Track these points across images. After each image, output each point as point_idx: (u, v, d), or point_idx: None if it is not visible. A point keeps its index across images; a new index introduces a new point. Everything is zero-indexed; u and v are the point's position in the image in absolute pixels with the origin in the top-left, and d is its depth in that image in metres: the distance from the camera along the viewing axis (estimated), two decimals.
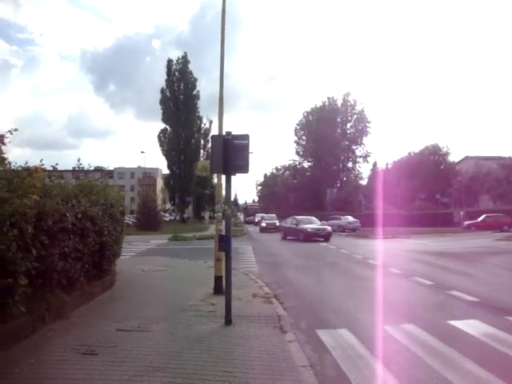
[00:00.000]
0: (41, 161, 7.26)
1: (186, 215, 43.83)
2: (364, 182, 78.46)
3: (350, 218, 45.29)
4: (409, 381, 5.18)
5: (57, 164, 8.81)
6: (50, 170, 8.57)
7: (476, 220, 42.01)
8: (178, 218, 46.21)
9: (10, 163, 6.97)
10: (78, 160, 10.35)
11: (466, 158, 68.33)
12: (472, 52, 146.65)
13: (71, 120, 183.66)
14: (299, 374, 5.26)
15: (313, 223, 32.66)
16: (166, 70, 58.22)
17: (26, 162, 7.25)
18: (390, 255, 19.67)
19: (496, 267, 15.70)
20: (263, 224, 45.58)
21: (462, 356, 5.84)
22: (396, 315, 8.19)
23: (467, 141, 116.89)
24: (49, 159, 7.59)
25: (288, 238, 32.33)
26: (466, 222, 42.56)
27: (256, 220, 59.45)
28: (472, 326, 7.38)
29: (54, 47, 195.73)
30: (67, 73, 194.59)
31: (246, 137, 7.70)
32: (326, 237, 30.38)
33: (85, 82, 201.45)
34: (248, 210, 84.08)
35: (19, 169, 6.98)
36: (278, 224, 43.20)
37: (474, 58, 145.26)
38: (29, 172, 6.53)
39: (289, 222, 33.82)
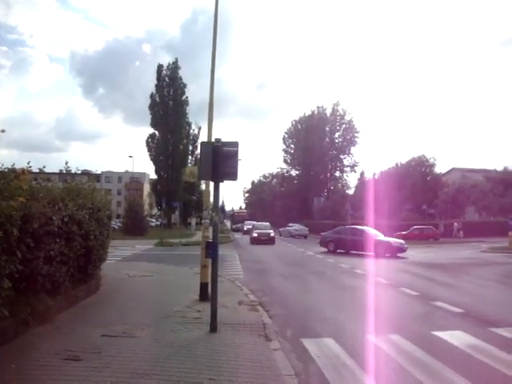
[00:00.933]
0: (28, 163, 7.22)
1: (162, 221, 42.35)
2: (351, 192, 78.89)
3: (297, 226, 53.01)
4: None
5: (44, 166, 8.77)
6: (36, 173, 8.51)
7: (403, 232, 44.04)
8: (164, 223, 45.98)
9: None
10: (66, 163, 10.32)
11: (453, 169, 69.03)
12: (459, 65, 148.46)
13: (59, 123, 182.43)
14: (284, 382, 5.26)
15: (380, 235, 26.77)
16: (156, 75, 58.23)
17: (13, 164, 7.20)
18: (376, 265, 19.74)
19: (480, 278, 15.83)
20: (254, 234, 38.10)
21: (445, 367, 5.86)
22: (382, 325, 8.21)
23: (454, 153, 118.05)
24: (36, 161, 7.57)
25: (339, 251, 26.99)
26: (396, 234, 43.99)
27: (245, 228, 55.13)
28: (456, 337, 7.42)
29: (43, 49, 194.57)
30: (56, 75, 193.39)
31: (235, 144, 7.72)
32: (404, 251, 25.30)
33: (74, 84, 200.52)
34: (235, 217, 79.72)
35: (6, 170, 6.92)
36: (272, 235, 38.12)
37: (461, 70, 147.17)
38: (16, 174, 6.48)
39: (348, 233, 27.76)
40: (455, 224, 45.53)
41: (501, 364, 6.00)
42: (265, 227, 40.79)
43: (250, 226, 46.82)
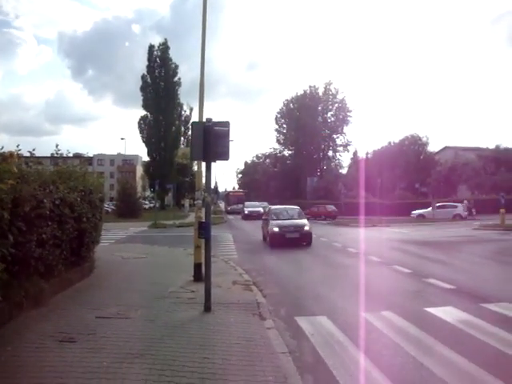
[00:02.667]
0: (17, 146, 7.13)
1: (151, 203, 41.92)
2: (344, 171, 78.87)
3: (266, 204, 52.64)
4: (386, 366, 5.24)
5: (34, 150, 8.66)
6: (27, 156, 8.43)
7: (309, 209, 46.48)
8: (157, 205, 45.92)
9: None
10: (56, 146, 10.19)
11: (446, 148, 69.02)
12: (451, 43, 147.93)
13: (49, 105, 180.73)
14: (278, 360, 5.30)
15: None
16: (147, 55, 57.87)
17: (2, 147, 7.10)
18: (369, 244, 19.79)
19: (472, 256, 15.95)
20: (275, 228, 19.75)
21: (437, 342, 5.94)
22: (374, 303, 8.29)
23: (446, 131, 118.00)
24: (27, 145, 7.48)
25: None
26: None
27: (246, 212, 46.80)
28: (448, 313, 7.51)
29: (30, 30, 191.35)
30: (44, 57, 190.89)
31: (226, 124, 7.68)
32: None
33: (62, 66, 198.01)
34: (230, 198, 70.80)
35: None
36: (307, 228, 19.94)
37: (453, 49, 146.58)
38: (3, 157, 6.41)
39: None
40: (465, 202, 44.43)
41: (492, 338, 6.08)
42: (290, 214, 21.67)
43: (257, 209, 38.90)
